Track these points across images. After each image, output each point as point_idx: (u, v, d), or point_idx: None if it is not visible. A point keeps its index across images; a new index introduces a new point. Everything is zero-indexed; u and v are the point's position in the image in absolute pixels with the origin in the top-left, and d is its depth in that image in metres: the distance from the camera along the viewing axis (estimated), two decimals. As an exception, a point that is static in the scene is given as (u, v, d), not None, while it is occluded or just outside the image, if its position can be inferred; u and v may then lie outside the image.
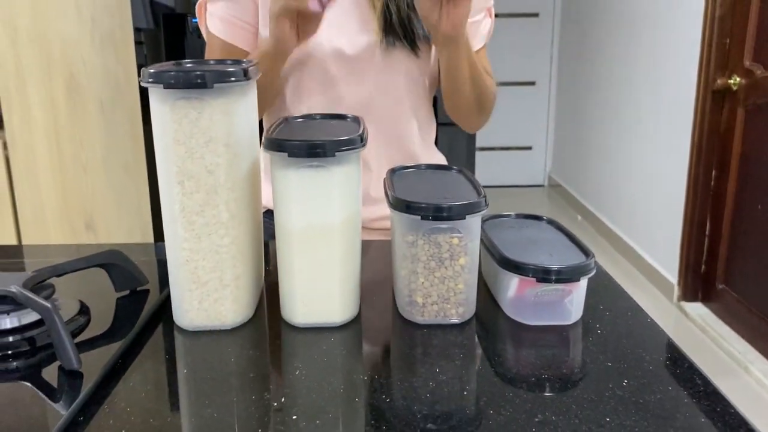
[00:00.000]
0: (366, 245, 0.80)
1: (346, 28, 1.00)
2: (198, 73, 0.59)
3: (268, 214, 0.88)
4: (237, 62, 0.69)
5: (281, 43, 0.89)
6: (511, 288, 0.67)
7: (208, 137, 0.61)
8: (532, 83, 4.82)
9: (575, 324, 0.67)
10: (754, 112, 2.53)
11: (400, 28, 0.98)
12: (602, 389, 0.55)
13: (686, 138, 2.84)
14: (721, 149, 2.72)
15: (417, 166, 0.79)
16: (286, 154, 0.61)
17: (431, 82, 1.09)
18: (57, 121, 2.11)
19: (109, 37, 2.05)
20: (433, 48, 1.04)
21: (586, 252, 0.69)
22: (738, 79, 2.59)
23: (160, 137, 0.61)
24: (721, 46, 2.64)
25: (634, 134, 3.45)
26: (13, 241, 2.19)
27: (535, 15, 4.69)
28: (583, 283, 0.66)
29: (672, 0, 2.99)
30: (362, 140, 0.63)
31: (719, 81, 2.64)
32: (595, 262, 0.68)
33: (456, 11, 0.87)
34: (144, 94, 1.99)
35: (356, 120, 0.73)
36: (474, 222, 0.65)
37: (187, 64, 0.70)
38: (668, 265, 3.03)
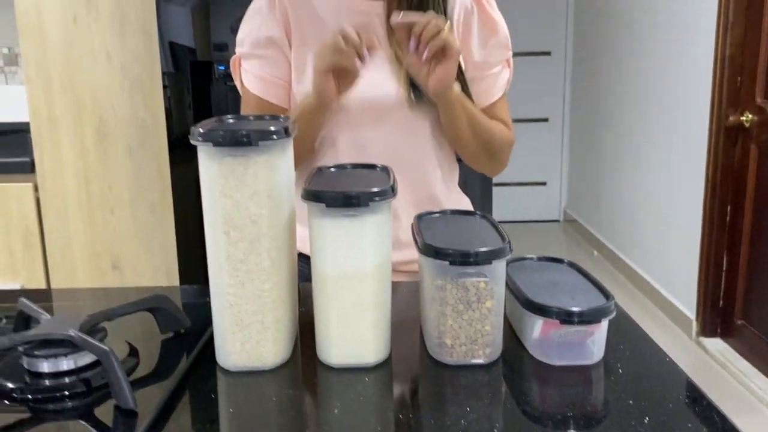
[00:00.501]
0: (395, 286, 0.84)
1: (375, 80, 1.05)
2: (244, 132, 0.64)
3: (301, 257, 0.93)
4: (276, 118, 0.75)
5: (324, 97, 0.96)
6: (536, 329, 0.70)
7: (253, 190, 0.65)
8: (545, 120, 4.88)
9: (597, 363, 0.71)
10: (767, 149, 2.56)
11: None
12: (625, 427, 0.58)
13: (700, 174, 2.87)
14: (736, 185, 2.74)
15: (443, 212, 0.84)
16: (324, 204, 0.65)
17: None
18: (86, 165, 2.18)
19: (137, 84, 2.13)
20: None
21: (606, 294, 0.72)
22: (750, 116, 2.63)
23: (208, 191, 0.66)
24: (733, 84, 2.69)
25: (648, 169, 3.48)
26: (42, 280, 2.26)
27: (548, 53, 4.78)
28: (604, 324, 0.69)
29: (682, 38, 3.05)
30: (393, 190, 0.68)
31: (731, 118, 2.68)
32: (615, 303, 0.71)
33: (442, 69, 0.94)
34: (171, 137, 2.06)
35: (385, 170, 0.77)
36: (499, 266, 0.69)
37: (230, 120, 0.75)
38: (686, 300, 3.03)
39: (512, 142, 1.16)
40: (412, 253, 1.03)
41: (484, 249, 0.67)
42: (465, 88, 1.07)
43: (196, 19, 2.01)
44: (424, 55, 0.92)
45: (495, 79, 1.13)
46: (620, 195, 3.91)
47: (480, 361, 0.71)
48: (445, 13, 1.07)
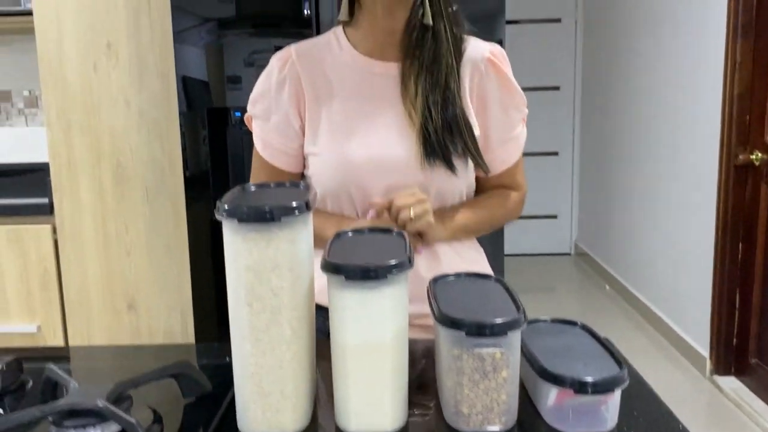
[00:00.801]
0: (411, 344, 0.85)
1: (387, 140, 1.07)
2: (267, 208, 0.66)
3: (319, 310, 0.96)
4: (296, 187, 0.77)
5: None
6: (551, 397, 0.72)
7: (275, 263, 0.68)
8: (555, 153, 4.91)
9: (611, 431, 0.72)
10: (778, 187, 2.57)
11: (438, 148, 1.05)
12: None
13: (711, 211, 2.88)
14: (747, 223, 2.75)
15: (458, 275, 0.86)
16: (343, 276, 0.68)
17: (468, 192, 1.16)
18: (104, 207, 2.22)
19: (155, 127, 2.18)
20: (470, 163, 1.11)
21: (619, 361, 0.74)
22: (759, 154, 2.65)
23: (231, 263, 0.69)
24: (741, 123, 2.71)
25: (659, 205, 3.49)
26: (59, 321, 2.28)
27: (557, 88, 4.82)
28: (618, 392, 0.71)
29: (691, 75, 3.08)
30: (410, 261, 0.70)
31: (741, 156, 2.69)
32: (628, 371, 0.73)
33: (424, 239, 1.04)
34: (187, 180, 2.09)
35: (401, 236, 0.79)
36: (515, 337, 0.70)
37: (252, 189, 0.78)
38: (699, 337, 3.02)
39: (523, 199, 1.18)
40: (424, 307, 1.05)
41: (499, 321, 0.69)
42: (474, 155, 1.08)
43: (209, 54, 2.06)
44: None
45: (515, 143, 1.15)
46: (631, 229, 3.91)
47: (496, 428, 0.72)
48: (459, 76, 1.09)
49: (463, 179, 1.11)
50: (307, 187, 0.79)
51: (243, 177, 2.11)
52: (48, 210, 2.23)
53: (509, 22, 4.40)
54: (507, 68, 1.14)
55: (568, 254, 5.00)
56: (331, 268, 0.69)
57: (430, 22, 1.06)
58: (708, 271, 2.93)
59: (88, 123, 2.18)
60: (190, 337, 2.29)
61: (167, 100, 2.16)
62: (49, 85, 2.16)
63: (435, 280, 0.83)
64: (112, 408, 0.65)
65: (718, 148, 2.81)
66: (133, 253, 2.25)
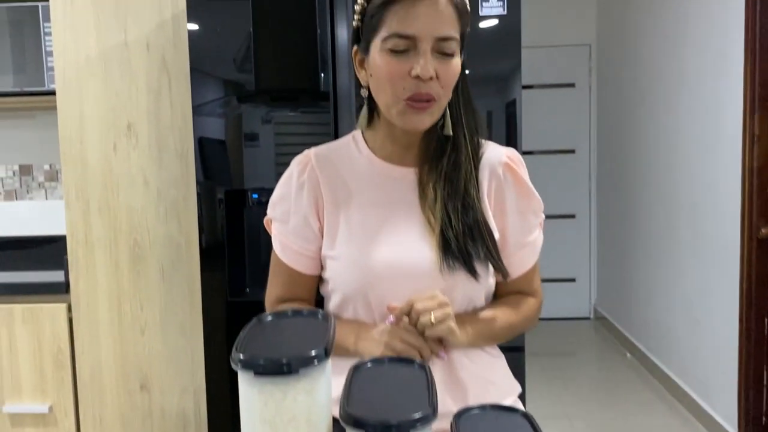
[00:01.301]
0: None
1: (407, 245, 1.06)
2: (284, 360, 0.64)
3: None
4: (313, 317, 0.76)
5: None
6: None
7: (291, 415, 0.65)
8: (572, 216, 4.88)
9: None
10: (803, 263, 2.52)
11: (459, 254, 1.04)
12: None
13: (734, 284, 2.82)
14: (772, 297, 2.69)
15: (482, 407, 0.82)
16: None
17: (488, 296, 1.15)
18: (119, 286, 2.21)
19: (173, 208, 2.19)
20: (491, 268, 1.10)
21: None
22: (782, 228, 2.60)
23: (246, 415, 0.66)
24: (762, 196, 2.68)
25: (678, 273, 3.43)
26: (71, 401, 2.25)
27: (572, 151, 4.83)
28: None
29: (709, 149, 3.07)
30: (434, 412, 0.67)
31: (764, 230, 2.65)
32: None
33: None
34: (203, 258, 2.09)
35: (423, 370, 0.77)
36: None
37: (268, 318, 0.76)
38: (727, 414, 2.92)
39: (540, 307, 1.17)
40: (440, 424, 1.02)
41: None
42: (496, 259, 1.07)
43: (228, 127, 2.07)
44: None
45: (532, 248, 1.14)
46: (651, 295, 3.84)
47: None
48: (477, 181, 1.09)
49: (484, 284, 1.09)
50: (326, 318, 0.78)
51: (258, 257, 2.10)
52: (64, 288, 2.23)
53: (524, 87, 4.45)
54: (524, 173, 1.14)
55: (588, 318, 4.92)
56: (351, 421, 0.66)
57: (450, 133, 1.07)
58: (733, 346, 2.85)
59: (106, 202, 2.20)
60: (203, 419, 2.24)
61: (185, 180, 2.18)
62: (69, 164, 2.19)
63: (458, 415, 0.80)
64: None
65: (740, 220, 2.77)
66: (147, 332, 2.23)
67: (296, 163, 1.15)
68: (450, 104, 1.07)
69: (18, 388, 2.24)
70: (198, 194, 2.13)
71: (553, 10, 4.72)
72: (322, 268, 1.14)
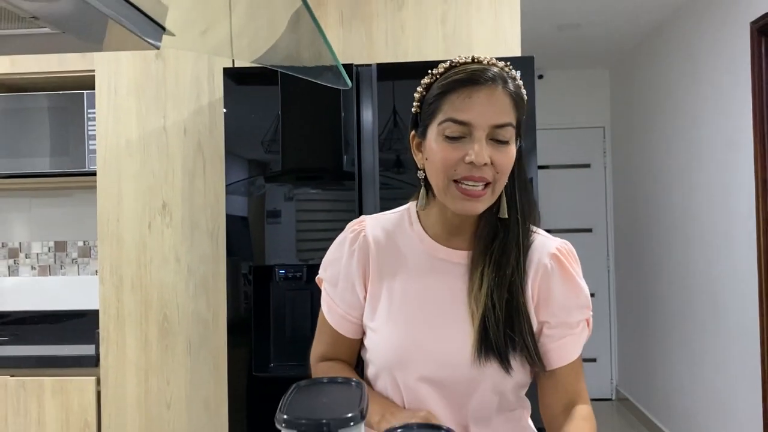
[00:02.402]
0: None
1: (441, 337, 1.07)
2: (324, 421, 0.70)
3: None
4: (347, 385, 0.82)
5: None
6: None
7: (331, 474, 0.71)
8: (592, 295, 4.88)
9: None
10: (825, 342, 2.52)
11: (495, 345, 1.03)
12: None
13: (755, 362, 2.81)
14: (796, 377, 2.67)
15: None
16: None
17: (519, 391, 1.12)
18: (148, 360, 2.27)
19: (202, 285, 2.27)
20: (525, 363, 1.07)
21: None
22: (802, 307, 2.62)
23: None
24: (780, 276, 2.71)
25: (700, 353, 3.42)
26: (95, 475, 2.27)
27: (589, 230, 4.89)
28: None
29: (723, 227, 3.12)
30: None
31: (782, 309, 2.67)
32: None
33: None
34: (231, 336, 2.14)
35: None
36: None
37: (303, 385, 0.82)
38: (756, 499, 2.85)
39: (593, 416, 1.11)
40: None
41: None
42: (531, 351, 1.06)
43: (255, 205, 2.16)
44: None
45: (575, 339, 1.11)
46: (672, 375, 3.80)
47: None
48: (525, 269, 1.08)
49: (515, 378, 1.07)
50: (359, 385, 0.83)
51: (283, 332, 2.16)
52: (93, 362, 2.29)
53: (542, 167, 4.57)
54: (574, 266, 1.12)
55: (610, 399, 4.84)
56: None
57: (506, 216, 1.07)
58: (758, 418, 2.81)
59: (139, 278, 2.29)
60: (225, 496, 2.24)
61: (215, 257, 2.27)
62: (105, 241, 2.29)
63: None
64: None
65: (757, 297, 2.79)
66: (173, 407, 2.27)
67: (350, 230, 1.18)
68: (505, 187, 1.06)
69: (44, 463, 2.27)
70: (226, 271, 2.21)
71: (568, 94, 4.90)
72: (363, 334, 1.17)
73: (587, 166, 4.91)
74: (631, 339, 4.59)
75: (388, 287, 1.12)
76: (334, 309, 1.16)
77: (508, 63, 1.08)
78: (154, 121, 2.31)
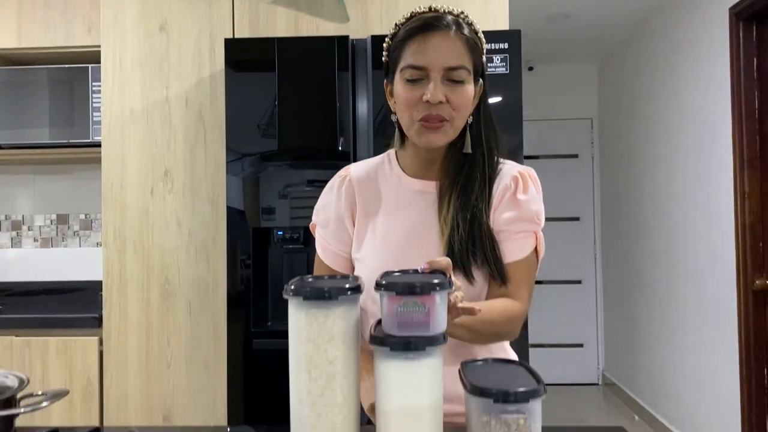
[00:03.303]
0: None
1: (416, 255, 1.16)
2: (326, 288, 0.81)
3: None
4: (346, 278, 0.92)
5: None
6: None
7: (331, 335, 0.81)
8: (579, 282, 5.01)
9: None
10: (797, 312, 2.64)
11: (459, 260, 1.16)
12: None
13: (733, 336, 2.93)
14: (770, 347, 2.79)
15: (485, 360, 0.97)
16: (388, 348, 0.80)
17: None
18: (149, 321, 2.36)
19: (203, 248, 2.36)
20: (488, 277, 1.20)
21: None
22: (776, 280, 2.74)
23: (294, 336, 0.82)
24: (755, 250, 2.82)
25: (681, 333, 3.53)
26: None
27: (577, 219, 5.01)
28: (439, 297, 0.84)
29: (705, 208, 3.24)
30: (444, 338, 0.83)
31: (758, 282, 2.78)
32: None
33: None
34: (230, 297, 2.24)
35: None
36: (536, 406, 0.81)
37: (309, 279, 0.92)
38: (734, 467, 2.96)
39: (523, 314, 1.20)
40: (450, 407, 1.14)
41: (522, 389, 0.80)
42: (493, 265, 1.17)
43: (253, 182, 2.27)
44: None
45: (521, 243, 1.21)
46: (656, 356, 3.92)
47: (521, 491, 0.81)
48: (490, 195, 1.22)
49: (479, 289, 1.19)
50: (356, 278, 0.93)
51: (281, 293, 2.25)
52: (96, 323, 2.38)
53: (530, 157, 4.69)
54: (531, 186, 1.24)
55: (596, 384, 4.95)
56: (377, 341, 0.81)
57: (469, 151, 1.22)
58: (735, 397, 2.92)
59: (141, 243, 2.38)
60: (222, 452, 2.33)
61: (215, 223, 2.37)
62: (109, 207, 2.39)
63: (465, 364, 0.94)
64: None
65: (735, 274, 2.91)
66: (173, 367, 2.36)
67: (337, 176, 1.32)
68: (470, 125, 1.22)
69: (47, 418, 2.34)
70: (226, 234, 2.30)
71: (557, 86, 5.03)
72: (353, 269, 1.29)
73: (575, 156, 5.03)
74: (617, 325, 4.71)
75: (372, 222, 1.25)
76: (328, 248, 1.28)
77: (463, 12, 1.20)
78: (157, 93, 2.41)
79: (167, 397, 2.36)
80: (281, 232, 2.19)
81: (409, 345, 0.80)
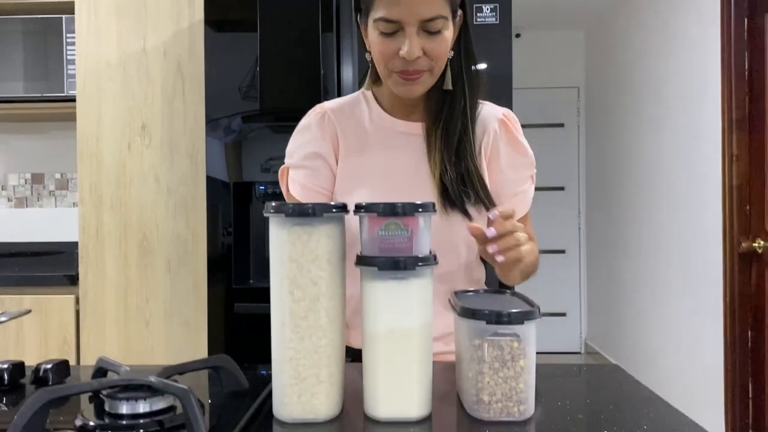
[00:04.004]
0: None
1: (410, 196, 1.13)
2: (310, 206, 0.75)
3: None
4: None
5: None
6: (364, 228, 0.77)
7: (315, 255, 0.76)
8: (563, 251, 5.00)
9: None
10: (782, 273, 2.64)
11: (454, 198, 1.13)
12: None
13: (718, 300, 2.92)
14: (755, 310, 2.78)
15: (476, 290, 0.93)
16: (376, 268, 0.75)
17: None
18: (127, 279, 2.30)
19: (182, 205, 2.30)
20: (482, 211, 1.18)
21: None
22: (762, 242, 2.73)
23: (276, 255, 0.77)
24: (742, 213, 2.81)
25: (666, 298, 3.53)
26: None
27: (561, 188, 4.99)
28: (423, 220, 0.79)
29: (692, 172, 3.23)
30: (435, 259, 0.78)
31: (744, 244, 2.77)
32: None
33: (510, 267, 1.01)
34: (211, 254, 2.18)
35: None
36: (530, 328, 0.77)
37: (290, 205, 0.87)
38: (714, 428, 2.97)
39: (538, 255, 1.20)
40: (444, 346, 1.10)
41: (516, 310, 0.76)
42: (487, 204, 1.16)
43: (229, 149, 2.20)
44: (498, 259, 0.97)
45: (524, 197, 1.22)
46: (640, 322, 3.93)
47: (515, 418, 0.77)
48: (473, 135, 1.19)
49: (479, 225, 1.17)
50: (344, 205, 0.88)
51: (263, 250, 2.20)
52: (72, 282, 2.31)
53: (515, 126, 4.65)
54: (517, 130, 1.23)
55: (579, 353, 4.97)
56: (364, 261, 0.76)
57: (450, 88, 1.17)
58: (719, 360, 2.93)
59: (118, 198, 2.31)
60: (202, 410, 2.29)
61: (195, 178, 2.30)
62: (85, 162, 2.31)
63: (455, 293, 0.90)
64: (165, 381, 0.71)
65: (721, 238, 2.90)
66: (152, 325, 2.31)
67: (315, 113, 1.24)
68: (451, 61, 1.16)
69: (22, 378, 2.28)
70: (207, 191, 2.23)
71: (544, 55, 4.97)
72: None
73: (561, 125, 5.00)
74: (600, 294, 4.71)
75: (356, 161, 1.19)
76: (308, 186, 1.20)
77: None
78: (134, 44, 2.32)
79: (146, 356, 2.31)
80: (263, 187, 2.13)
81: (399, 264, 0.75)
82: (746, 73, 2.81)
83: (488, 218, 0.99)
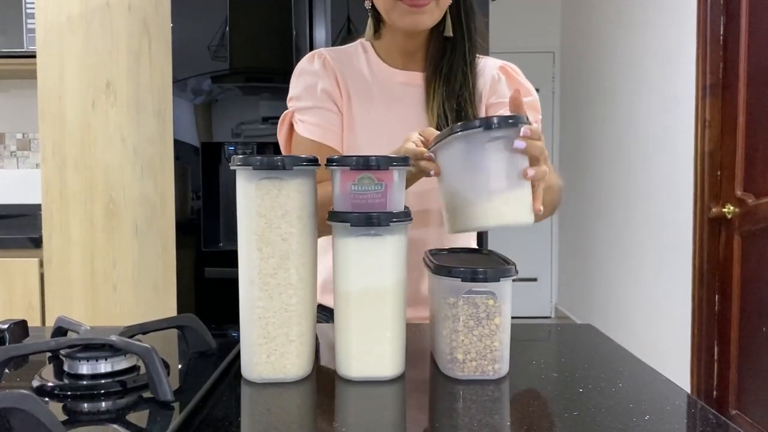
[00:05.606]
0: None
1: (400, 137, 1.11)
2: (279, 158, 0.72)
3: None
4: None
5: None
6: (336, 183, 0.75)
7: (285, 210, 0.73)
8: (535, 218, 5.02)
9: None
10: (749, 239, 2.67)
11: None
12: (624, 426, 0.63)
13: (687, 264, 2.96)
14: (722, 274, 2.83)
15: (452, 249, 0.91)
16: (349, 224, 0.73)
17: None
18: (93, 242, 2.24)
19: (149, 166, 2.24)
20: None
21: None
22: (731, 207, 2.75)
23: (243, 210, 0.73)
24: (713, 178, 2.83)
25: (637, 263, 3.57)
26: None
27: (535, 155, 4.99)
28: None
29: (664, 137, 3.24)
30: (409, 215, 0.75)
31: (714, 210, 2.80)
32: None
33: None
34: (179, 216, 2.13)
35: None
36: (506, 286, 0.75)
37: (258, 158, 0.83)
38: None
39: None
40: (413, 311, 1.08)
41: (492, 268, 0.74)
42: None
43: (199, 115, 2.13)
44: (530, 174, 0.90)
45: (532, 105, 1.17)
46: (610, 287, 3.98)
47: (489, 376, 0.75)
48: (474, 84, 1.15)
49: None
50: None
51: (233, 212, 2.16)
52: (36, 244, 2.25)
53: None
54: (518, 74, 1.20)
55: (549, 317, 5.03)
56: (337, 217, 0.74)
57: (450, 34, 1.14)
58: (686, 324, 2.98)
59: (83, 159, 2.24)
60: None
61: (162, 139, 2.23)
62: (47, 121, 2.23)
63: (430, 251, 0.88)
64: (126, 339, 0.68)
65: (692, 202, 2.92)
66: (119, 289, 2.26)
67: (316, 56, 1.18)
68: (450, 8, 1.13)
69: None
70: (174, 153, 2.17)
71: (519, 19, 4.92)
72: None
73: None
74: (571, 259, 4.76)
75: (357, 108, 1.16)
76: (319, 124, 1.14)
77: None
78: (98, -3, 2.23)
79: (114, 321, 2.27)
80: (233, 147, 2.08)
81: (372, 220, 0.72)
82: (721, 38, 2.81)
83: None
